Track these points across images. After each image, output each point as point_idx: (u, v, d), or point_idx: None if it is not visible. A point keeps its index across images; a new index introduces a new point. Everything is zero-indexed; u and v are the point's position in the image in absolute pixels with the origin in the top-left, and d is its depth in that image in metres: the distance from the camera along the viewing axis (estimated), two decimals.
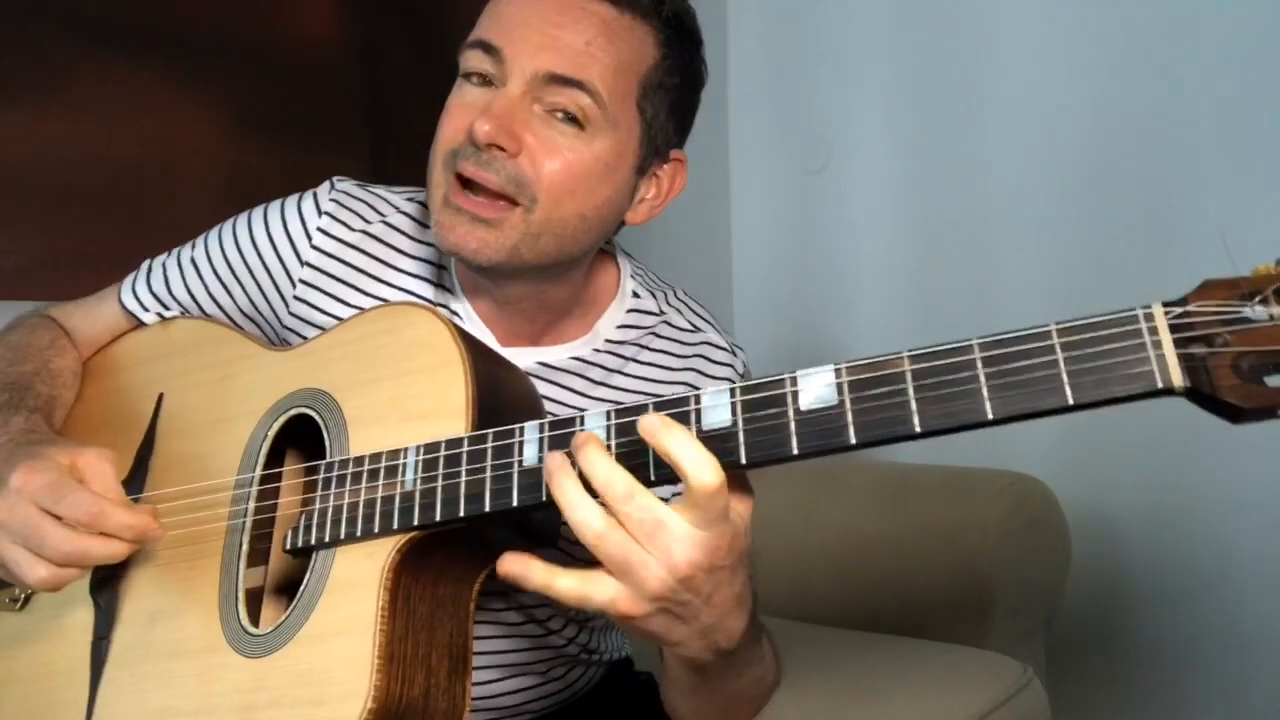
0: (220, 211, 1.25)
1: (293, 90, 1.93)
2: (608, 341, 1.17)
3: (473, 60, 1.05)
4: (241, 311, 1.18)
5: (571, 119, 1.02)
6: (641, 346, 1.19)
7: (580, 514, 0.77)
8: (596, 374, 1.16)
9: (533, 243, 1.04)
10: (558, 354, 1.15)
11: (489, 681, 1.13)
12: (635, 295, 1.21)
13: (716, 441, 0.78)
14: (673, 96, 1.09)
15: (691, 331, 1.22)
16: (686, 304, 1.24)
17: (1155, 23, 1.88)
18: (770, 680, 1.03)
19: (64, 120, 1.68)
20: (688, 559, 0.76)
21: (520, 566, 0.80)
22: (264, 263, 1.16)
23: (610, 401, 1.14)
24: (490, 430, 0.87)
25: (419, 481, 0.88)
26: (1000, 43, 2.09)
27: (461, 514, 0.86)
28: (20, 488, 0.93)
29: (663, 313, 1.21)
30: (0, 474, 0.96)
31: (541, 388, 1.07)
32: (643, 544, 0.77)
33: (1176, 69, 1.85)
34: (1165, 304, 0.68)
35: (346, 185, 1.19)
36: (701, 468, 0.75)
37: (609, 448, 0.80)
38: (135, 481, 1.09)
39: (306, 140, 1.92)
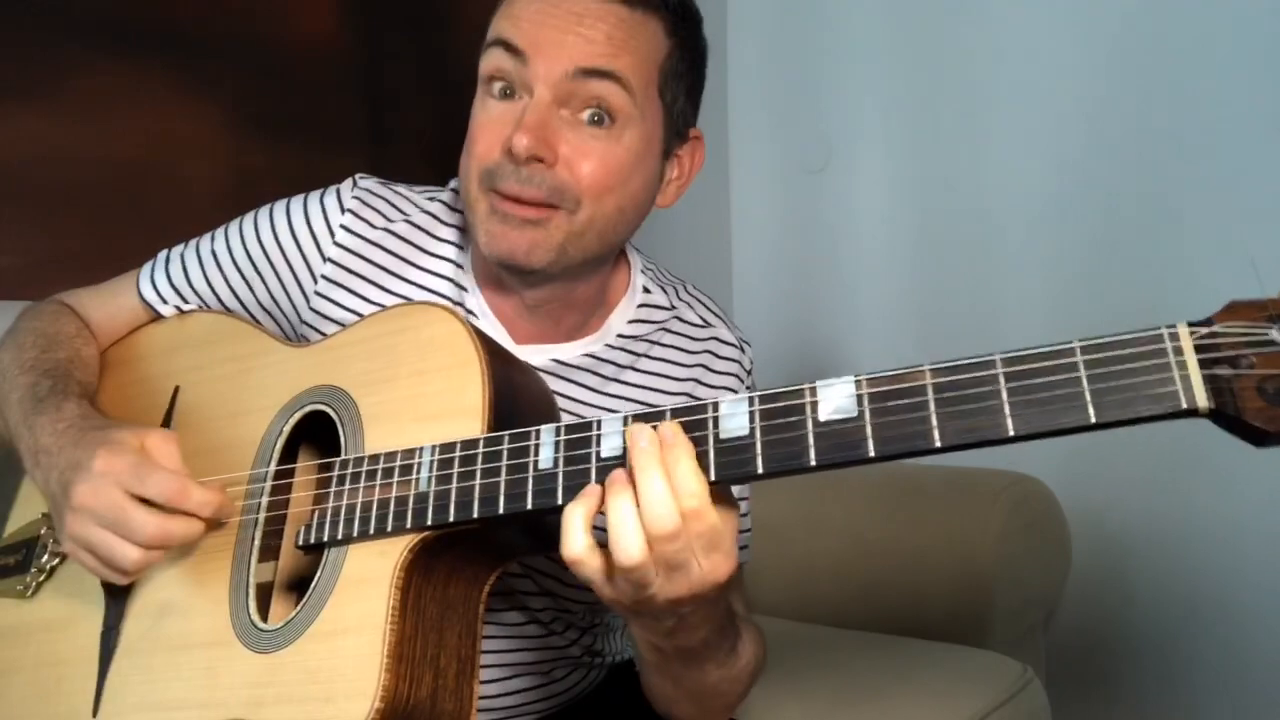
0: (220, 211, 1.24)
1: (293, 90, 1.92)
2: (619, 337, 1.18)
3: (494, 59, 1.05)
4: (260, 305, 1.18)
5: (599, 119, 1.03)
6: (653, 342, 1.19)
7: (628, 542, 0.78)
8: (608, 370, 1.16)
9: (578, 240, 1.05)
10: (571, 351, 1.15)
11: (490, 681, 1.14)
12: (646, 290, 1.21)
13: (733, 451, 0.78)
14: (688, 80, 1.11)
15: (702, 326, 1.23)
16: (698, 298, 1.25)
17: (1157, 24, 1.88)
18: (745, 681, 1.05)
19: (64, 120, 1.67)
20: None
21: None
22: (286, 257, 1.16)
23: (622, 398, 1.15)
24: (506, 432, 0.87)
25: (433, 481, 0.88)
26: (1000, 42, 2.09)
27: (475, 515, 0.86)
28: (105, 471, 0.93)
29: (674, 307, 1.22)
30: (76, 458, 0.96)
31: (554, 384, 1.07)
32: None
33: (1179, 71, 1.86)
34: (1190, 324, 0.67)
35: (369, 183, 1.19)
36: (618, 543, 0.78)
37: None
38: None
39: (306, 140, 1.92)
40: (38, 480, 1.02)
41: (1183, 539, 1.87)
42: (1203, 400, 0.66)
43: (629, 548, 0.77)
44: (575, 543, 0.79)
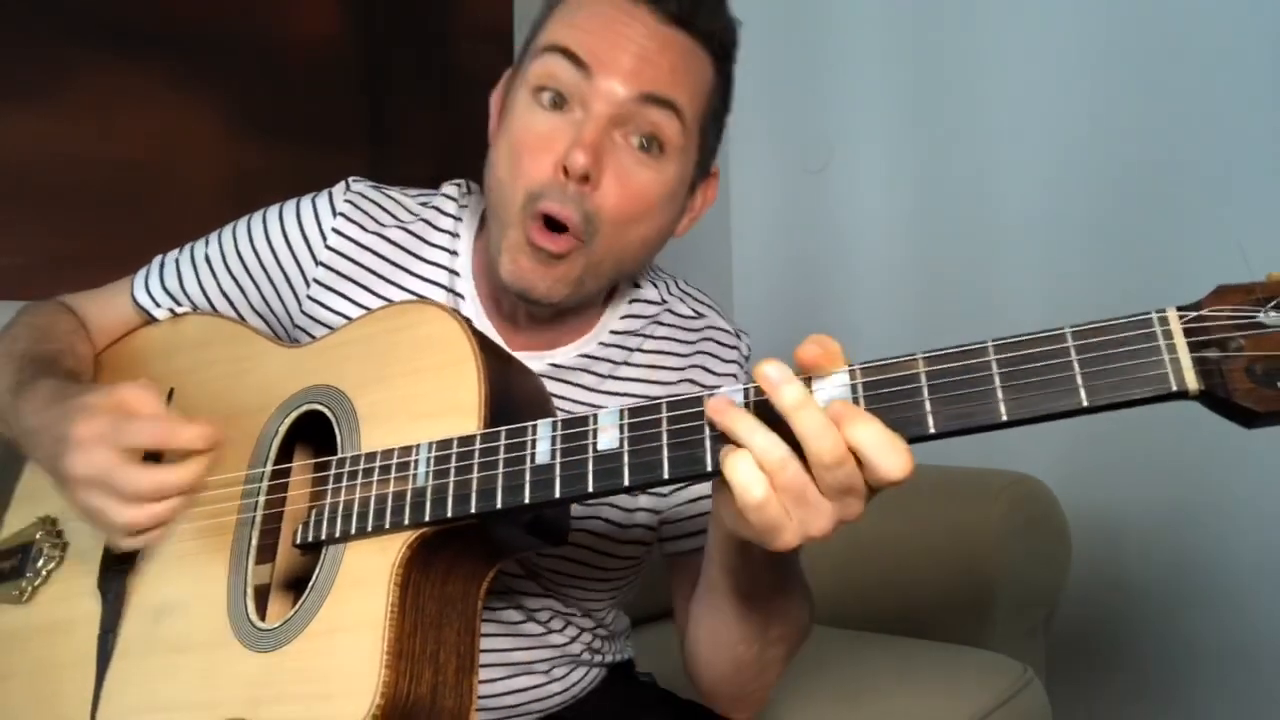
0: (220, 211, 1.24)
1: (293, 90, 1.92)
2: (612, 334, 1.17)
3: (550, 65, 1.02)
4: (253, 309, 1.18)
5: (649, 145, 1.02)
6: (645, 336, 1.19)
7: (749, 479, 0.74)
8: (603, 368, 1.16)
9: (595, 270, 1.05)
10: (566, 354, 1.15)
11: (490, 680, 1.13)
12: (636, 286, 1.21)
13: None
14: (722, 119, 1.11)
15: (695, 318, 1.22)
16: (689, 293, 1.25)
17: (1157, 23, 1.89)
18: (803, 626, 1.05)
19: (64, 120, 1.67)
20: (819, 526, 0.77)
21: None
22: (278, 261, 1.16)
23: (619, 394, 1.15)
24: (503, 428, 0.87)
25: (431, 477, 0.88)
26: (1001, 42, 2.09)
27: (473, 510, 0.86)
28: (85, 437, 0.93)
29: (664, 301, 1.22)
30: (59, 433, 0.96)
31: (551, 386, 1.07)
32: (789, 508, 0.76)
33: (1179, 69, 1.86)
34: (1180, 308, 0.68)
35: (362, 186, 1.19)
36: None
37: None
38: None
39: (306, 140, 1.92)
40: (40, 462, 1.02)
41: (1183, 538, 1.87)
42: (1192, 383, 0.67)
43: (831, 448, 0.72)
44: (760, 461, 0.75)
